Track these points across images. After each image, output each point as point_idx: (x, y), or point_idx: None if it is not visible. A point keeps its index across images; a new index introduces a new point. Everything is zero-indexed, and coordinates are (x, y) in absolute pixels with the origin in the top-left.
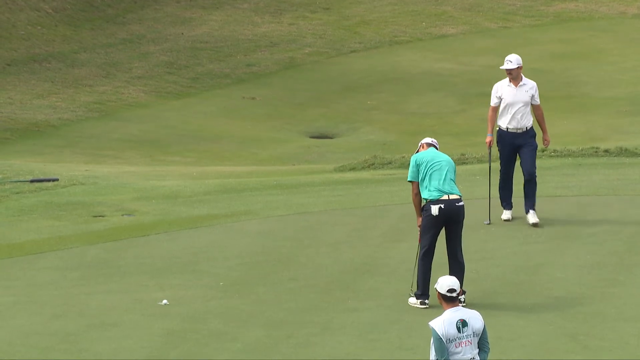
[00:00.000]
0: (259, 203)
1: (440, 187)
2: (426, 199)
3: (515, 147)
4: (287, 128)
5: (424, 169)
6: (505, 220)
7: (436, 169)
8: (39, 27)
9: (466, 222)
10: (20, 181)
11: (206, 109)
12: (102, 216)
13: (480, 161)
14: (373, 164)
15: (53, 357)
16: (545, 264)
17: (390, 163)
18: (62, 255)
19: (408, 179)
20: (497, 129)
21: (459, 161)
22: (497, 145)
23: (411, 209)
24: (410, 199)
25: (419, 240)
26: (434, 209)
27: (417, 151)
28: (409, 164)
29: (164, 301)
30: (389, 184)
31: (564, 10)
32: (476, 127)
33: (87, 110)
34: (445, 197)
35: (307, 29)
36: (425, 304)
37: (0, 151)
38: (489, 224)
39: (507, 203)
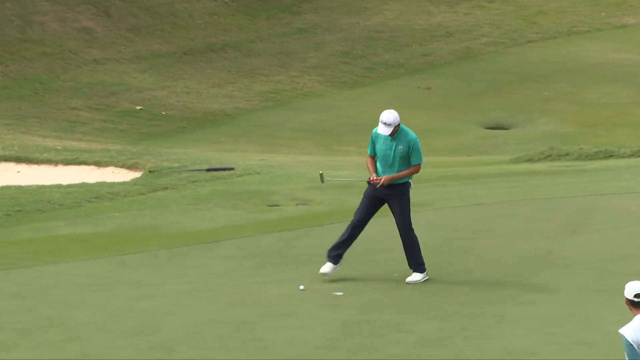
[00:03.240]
0: (433, 194)
1: None
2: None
3: None
4: (462, 118)
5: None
6: None
7: None
8: (216, 17)
9: None
10: (197, 170)
11: (381, 98)
12: (277, 205)
13: None
14: (550, 156)
15: (228, 345)
16: None
17: (567, 155)
18: (237, 244)
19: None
20: None
21: (638, 154)
22: None
23: (589, 201)
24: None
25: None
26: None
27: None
28: (418, 144)
29: (339, 292)
30: (566, 176)
31: None
32: None
33: (263, 99)
34: None
35: (483, 19)
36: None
37: (177, 140)
38: None
39: None
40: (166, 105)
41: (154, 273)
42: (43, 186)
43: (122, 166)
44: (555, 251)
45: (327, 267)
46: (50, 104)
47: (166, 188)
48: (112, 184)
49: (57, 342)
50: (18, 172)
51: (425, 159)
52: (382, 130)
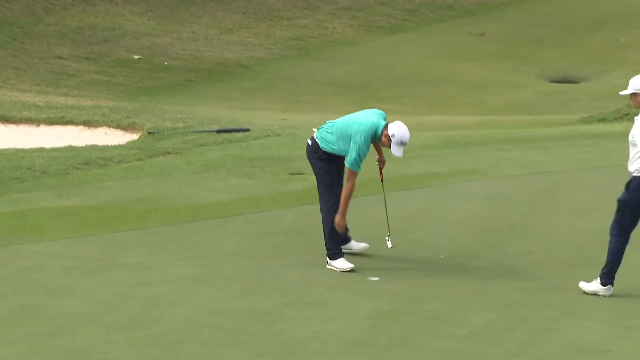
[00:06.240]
0: (487, 160)
1: None
2: None
3: None
4: (522, 70)
5: None
6: None
7: None
8: None
9: None
10: (205, 131)
11: (425, 46)
12: (301, 174)
13: None
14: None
15: (242, 340)
16: None
17: None
18: (253, 220)
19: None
20: None
21: None
22: None
23: None
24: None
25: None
26: None
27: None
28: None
29: (374, 277)
30: None
31: None
32: None
33: (284, 47)
34: None
35: None
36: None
37: (182, 95)
38: None
39: None
40: (169, 55)
41: (154, 254)
42: (22, 150)
43: (117, 127)
44: None
45: (342, 262)
46: (31, 52)
47: (169, 153)
48: (104, 148)
49: (37, 335)
50: None
51: (479, 118)
52: (399, 152)
